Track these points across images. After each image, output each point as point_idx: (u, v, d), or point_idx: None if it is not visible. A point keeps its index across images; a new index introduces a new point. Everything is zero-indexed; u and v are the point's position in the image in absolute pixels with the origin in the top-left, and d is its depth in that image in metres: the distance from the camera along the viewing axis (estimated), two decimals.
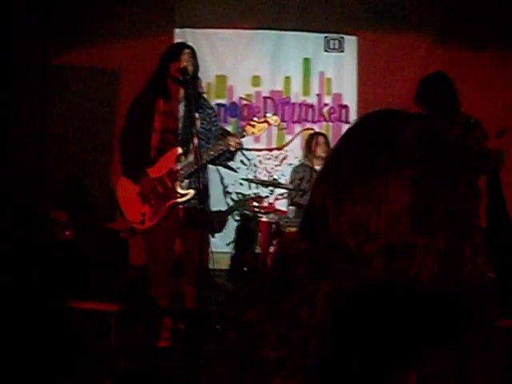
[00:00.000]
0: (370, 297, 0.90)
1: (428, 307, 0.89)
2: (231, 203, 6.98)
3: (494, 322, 0.93)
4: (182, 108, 4.33)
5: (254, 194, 6.59)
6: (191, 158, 4.18)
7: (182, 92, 4.31)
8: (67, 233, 5.90)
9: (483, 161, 4.50)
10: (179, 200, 4.22)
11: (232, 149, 4.23)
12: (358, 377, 0.88)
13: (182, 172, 4.21)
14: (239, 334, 1.00)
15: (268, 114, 4.42)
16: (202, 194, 3.93)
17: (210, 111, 4.51)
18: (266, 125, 4.33)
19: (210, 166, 4.49)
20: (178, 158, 4.24)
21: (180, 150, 4.23)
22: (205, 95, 4.75)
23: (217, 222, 6.51)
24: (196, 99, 4.26)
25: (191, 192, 4.22)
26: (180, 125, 4.31)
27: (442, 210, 0.90)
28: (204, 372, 1.07)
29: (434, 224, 0.90)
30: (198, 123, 4.23)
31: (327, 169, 1.03)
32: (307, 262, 0.96)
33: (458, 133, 4.58)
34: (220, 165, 4.72)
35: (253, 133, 4.33)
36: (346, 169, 0.98)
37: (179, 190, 4.21)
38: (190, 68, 4.26)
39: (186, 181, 4.25)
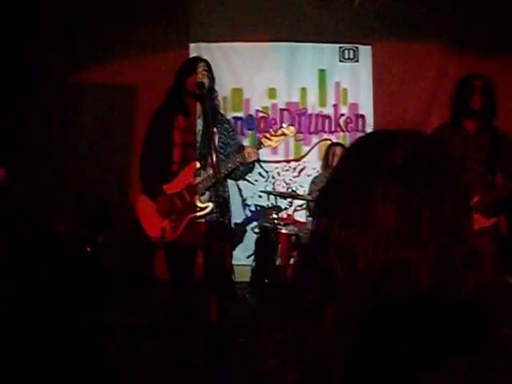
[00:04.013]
0: (375, 315, 0.92)
1: (431, 318, 0.90)
2: (249, 215, 7.00)
3: (501, 327, 0.94)
4: (199, 122, 4.35)
5: (273, 205, 6.59)
6: (210, 171, 4.20)
7: (199, 106, 4.33)
8: (88, 249, 5.95)
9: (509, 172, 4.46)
10: (199, 214, 4.23)
11: (249, 161, 4.24)
12: None
13: (201, 186, 4.22)
14: (259, 356, 1.01)
15: (284, 125, 4.41)
16: (223, 207, 3.94)
17: (227, 126, 4.52)
18: (282, 136, 4.33)
19: (228, 179, 4.50)
20: (196, 172, 4.25)
21: (198, 165, 4.25)
22: (221, 111, 4.76)
23: (236, 233, 6.52)
24: (213, 113, 4.29)
25: (210, 205, 4.23)
26: (198, 139, 4.33)
27: (431, 225, 0.93)
28: None
29: (423, 239, 0.92)
30: (216, 137, 4.25)
31: (321, 193, 1.06)
32: (312, 287, 0.98)
33: (486, 142, 4.53)
34: (238, 178, 4.72)
35: (270, 145, 4.34)
36: (335, 193, 1.01)
37: (199, 204, 4.23)
38: (206, 81, 4.28)
39: (206, 194, 4.26)
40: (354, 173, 1.00)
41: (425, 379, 0.86)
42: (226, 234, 4.01)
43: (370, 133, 1.10)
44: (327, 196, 1.04)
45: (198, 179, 4.24)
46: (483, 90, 4.53)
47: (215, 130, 4.25)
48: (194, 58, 5.09)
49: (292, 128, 4.43)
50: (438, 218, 0.93)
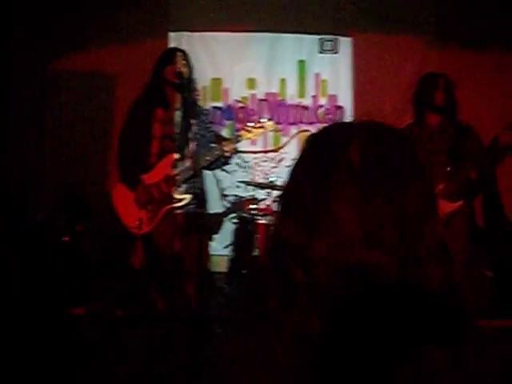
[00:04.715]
0: (338, 321, 0.90)
1: (400, 317, 0.88)
2: (228, 206, 6.98)
3: (475, 319, 0.94)
4: (178, 114, 4.34)
5: (251, 196, 6.58)
6: (188, 163, 4.20)
7: (178, 98, 4.32)
8: (66, 238, 5.91)
9: (475, 161, 4.51)
10: (176, 205, 4.23)
11: (227, 154, 4.24)
12: None
13: (179, 177, 4.22)
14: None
15: (264, 120, 4.42)
16: (200, 198, 3.95)
17: (204, 117, 4.52)
18: (261, 129, 4.33)
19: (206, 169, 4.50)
20: (174, 164, 4.24)
21: (176, 156, 4.24)
22: (201, 100, 4.76)
23: (213, 224, 6.51)
24: (192, 105, 4.28)
25: (188, 197, 4.23)
26: (176, 130, 4.32)
27: (393, 224, 0.90)
28: None
29: (386, 239, 0.90)
30: (194, 129, 4.25)
31: (281, 193, 1.02)
32: (274, 293, 0.95)
33: (450, 134, 4.61)
34: (216, 169, 4.72)
35: (249, 138, 4.34)
36: (293, 193, 0.98)
37: (176, 195, 4.22)
38: (185, 71, 4.28)
39: (183, 186, 4.26)
40: (312, 173, 0.96)
41: (398, 372, 0.86)
42: (203, 225, 4.02)
43: (326, 127, 1.04)
44: (286, 196, 1.00)
45: (176, 171, 4.24)
46: (445, 88, 4.68)
47: (193, 121, 4.24)
48: (171, 48, 5.09)
49: (271, 123, 4.44)
50: (400, 217, 0.91)
